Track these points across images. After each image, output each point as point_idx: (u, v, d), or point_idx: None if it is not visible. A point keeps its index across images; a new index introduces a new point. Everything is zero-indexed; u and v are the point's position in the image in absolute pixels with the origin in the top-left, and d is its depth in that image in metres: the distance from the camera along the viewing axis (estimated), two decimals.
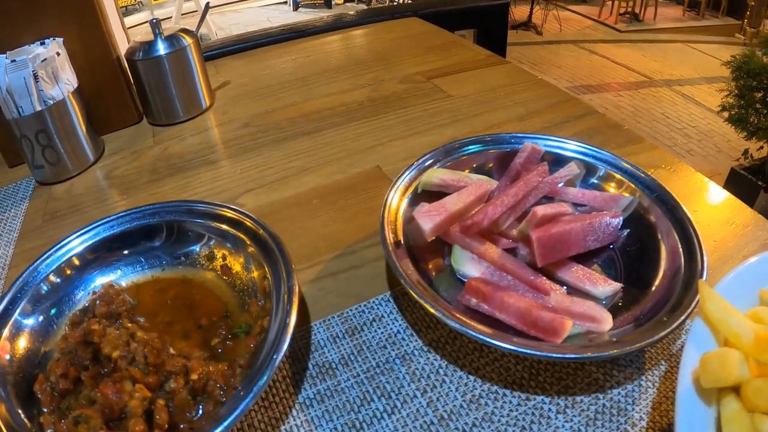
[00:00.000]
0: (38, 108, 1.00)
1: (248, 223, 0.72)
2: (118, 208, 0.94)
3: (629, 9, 9.63)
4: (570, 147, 0.80)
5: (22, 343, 0.66)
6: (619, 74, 7.18)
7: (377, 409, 0.57)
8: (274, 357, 0.54)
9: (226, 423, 0.49)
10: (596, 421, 0.54)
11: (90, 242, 0.76)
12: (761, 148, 3.95)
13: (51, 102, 1.01)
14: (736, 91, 3.96)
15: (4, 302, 0.67)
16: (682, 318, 0.54)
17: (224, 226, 0.74)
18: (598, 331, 0.58)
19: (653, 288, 0.62)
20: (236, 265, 0.72)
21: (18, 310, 0.68)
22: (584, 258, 0.68)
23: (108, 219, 0.77)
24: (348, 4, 10.37)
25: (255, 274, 0.69)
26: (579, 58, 7.78)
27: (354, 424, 0.56)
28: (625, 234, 0.71)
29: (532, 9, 8.93)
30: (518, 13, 9.02)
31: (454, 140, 0.82)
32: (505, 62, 1.34)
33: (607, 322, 0.58)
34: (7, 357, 0.63)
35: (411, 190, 0.74)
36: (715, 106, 4.39)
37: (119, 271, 0.75)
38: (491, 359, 0.60)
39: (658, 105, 6.24)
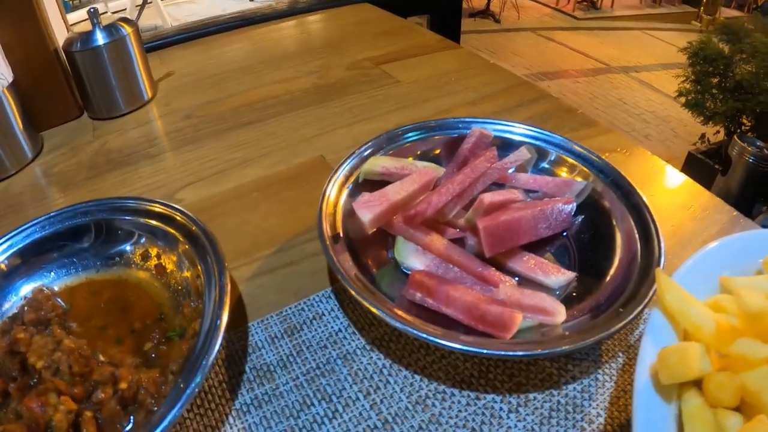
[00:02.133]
0: None
1: (180, 218, 0.68)
2: (58, 206, 0.88)
3: None
4: (520, 131, 0.77)
5: None
6: (576, 61, 7.24)
7: (318, 414, 0.53)
8: (204, 362, 0.50)
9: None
10: (551, 419, 0.51)
11: (18, 246, 0.71)
12: (717, 132, 4.00)
13: None
14: (692, 76, 4.00)
15: None
16: (639, 309, 0.51)
17: (155, 223, 0.70)
18: (550, 323, 0.54)
19: (608, 277, 0.59)
20: (170, 264, 0.68)
21: None
22: (536, 247, 0.65)
23: (37, 221, 0.72)
24: None
25: (188, 273, 0.65)
26: (536, 46, 7.84)
27: (293, 431, 0.52)
28: (579, 220, 0.68)
29: None
30: (476, 1, 9.04)
31: (402, 126, 0.79)
32: (457, 47, 1.30)
33: (560, 314, 0.55)
34: None
35: (352, 180, 0.70)
36: (672, 92, 4.42)
37: (52, 274, 0.71)
38: (438, 357, 0.57)
39: (615, 91, 6.30)
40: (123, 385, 0.54)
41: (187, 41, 1.57)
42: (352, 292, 0.53)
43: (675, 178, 0.83)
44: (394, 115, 1.02)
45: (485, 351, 0.49)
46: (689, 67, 4.04)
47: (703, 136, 4.14)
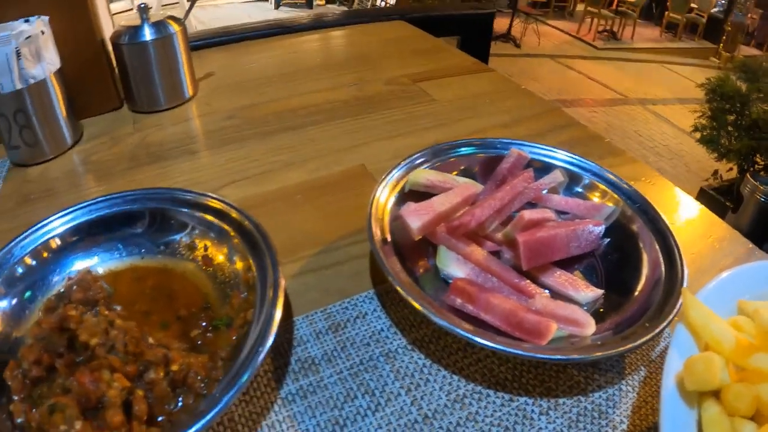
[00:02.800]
0: (18, 86, 0.98)
1: (233, 214, 0.71)
2: (93, 194, 0.92)
3: (608, 27, 9.77)
4: (555, 155, 0.81)
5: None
6: (594, 90, 7.27)
7: (361, 406, 0.57)
8: (259, 350, 0.53)
9: (208, 416, 0.48)
10: (578, 423, 0.55)
11: (69, 225, 0.74)
12: (731, 169, 4.02)
13: (32, 81, 0.99)
14: (709, 113, 4.03)
15: None
16: (664, 324, 0.55)
17: (208, 216, 0.73)
18: (580, 335, 0.58)
19: (634, 295, 0.63)
20: (218, 256, 0.71)
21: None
22: (566, 264, 0.69)
23: (88, 203, 0.75)
24: (329, 5, 10.39)
25: (238, 265, 0.68)
26: (555, 72, 7.87)
27: (337, 421, 0.56)
28: (607, 242, 0.72)
29: (512, 21, 9.00)
30: (498, 24, 9.09)
31: (439, 143, 0.83)
32: (490, 70, 1.35)
33: (590, 326, 0.59)
34: None
35: (398, 188, 0.74)
36: (687, 127, 4.46)
37: (96, 257, 0.73)
38: (475, 360, 0.61)
39: (631, 123, 6.32)
40: (174, 367, 0.57)
41: (225, 44, 1.62)
42: (402, 292, 0.57)
43: (694, 209, 0.87)
44: (432, 131, 1.06)
45: (524, 353, 0.53)
46: (706, 103, 4.08)
47: (715, 172, 4.18)
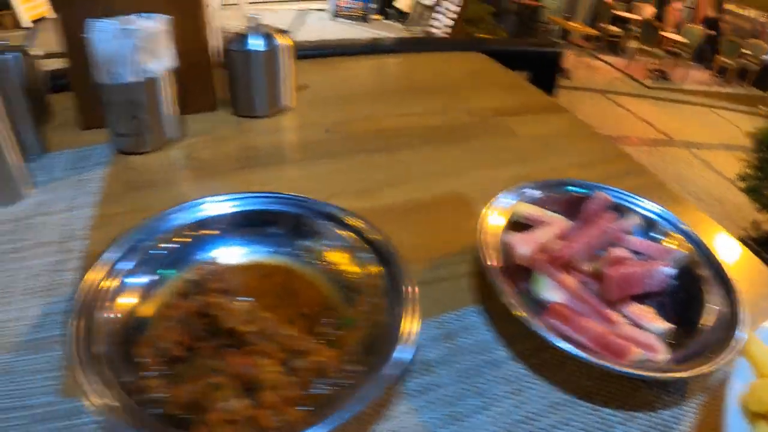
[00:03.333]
0: (134, 78, 1.05)
1: (356, 222, 0.80)
2: (206, 189, 0.98)
3: (659, 66, 9.75)
4: (635, 201, 0.90)
5: (126, 301, 0.70)
6: (640, 129, 7.29)
7: (473, 405, 0.66)
8: (406, 349, 0.61)
9: (359, 404, 0.55)
10: None
11: (209, 214, 0.82)
12: None
13: (147, 75, 1.07)
14: (755, 162, 4.07)
15: (114, 257, 0.73)
16: (728, 356, 0.64)
17: (333, 225, 0.81)
18: (654, 360, 0.67)
19: (698, 330, 0.72)
20: (342, 261, 0.78)
21: (126, 268, 0.73)
22: (640, 298, 0.78)
23: (233, 197, 0.84)
24: (385, 21, 10.49)
25: (364, 272, 0.76)
26: (603, 108, 7.89)
27: (453, 416, 0.64)
28: (675, 283, 0.80)
29: (564, 54, 9.04)
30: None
31: (524, 178, 0.92)
32: (565, 111, 1.43)
33: (663, 352, 0.68)
34: (112, 316, 0.67)
35: (501, 217, 0.84)
36: (731, 174, 4.49)
37: (223, 248, 0.81)
38: (567, 374, 0.70)
39: (674, 165, 6.33)
40: (318, 357, 0.63)
41: (316, 57, 1.72)
42: (515, 310, 0.67)
43: (752, 260, 0.96)
44: (515, 166, 1.15)
45: (616, 368, 0.62)
46: (753, 152, 4.12)
47: (755, 222, 4.21)
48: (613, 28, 10.96)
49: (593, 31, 10.02)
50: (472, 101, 1.45)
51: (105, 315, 0.66)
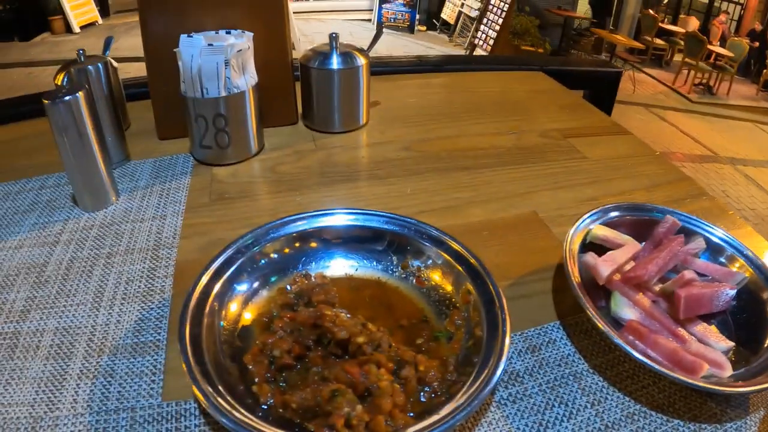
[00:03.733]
0: (222, 93, 1.13)
1: (450, 242, 0.86)
2: (294, 203, 1.10)
3: (704, 80, 9.67)
4: (701, 225, 0.96)
5: (233, 307, 0.78)
6: (685, 144, 7.23)
7: (558, 414, 0.72)
8: (499, 364, 0.66)
9: (465, 410, 0.61)
10: None
11: (312, 227, 0.89)
12: None
13: (235, 91, 1.15)
14: None
15: (219, 265, 0.80)
16: None
17: (430, 244, 0.88)
18: (720, 376, 0.74)
19: (760, 349, 0.78)
20: (434, 276, 0.85)
21: (231, 276, 0.80)
22: (705, 318, 0.84)
23: (333, 211, 0.91)
24: (430, 32, 10.56)
25: (456, 287, 0.82)
26: (648, 123, 7.84)
27: (540, 423, 0.71)
28: (737, 303, 0.86)
29: None
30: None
31: (595, 199, 0.99)
32: (628, 133, 1.49)
33: (729, 369, 0.74)
34: (221, 324, 0.75)
35: (579, 239, 0.91)
36: None
37: (317, 262, 0.88)
38: (640, 386, 0.76)
39: (719, 182, 6.27)
40: (422, 368, 0.69)
41: (381, 74, 1.79)
42: (600, 325, 0.74)
43: None
44: (588, 188, 1.20)
45: (696, 384, 0.69)
46: None
47: None
48: (658, 41, 10.90)
49: (638, 44, 9.95)
50: (540, 122, 1.51)
51: (211, 321, 0.74)
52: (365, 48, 1.40)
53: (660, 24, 11.07)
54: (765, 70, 9.91)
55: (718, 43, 10.50)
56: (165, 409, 0.70)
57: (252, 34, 1.20)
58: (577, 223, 0.92)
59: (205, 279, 0.78)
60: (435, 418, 0.62)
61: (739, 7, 11.96)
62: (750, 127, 8.40)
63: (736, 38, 10.50)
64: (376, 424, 0.62)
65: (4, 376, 0.74)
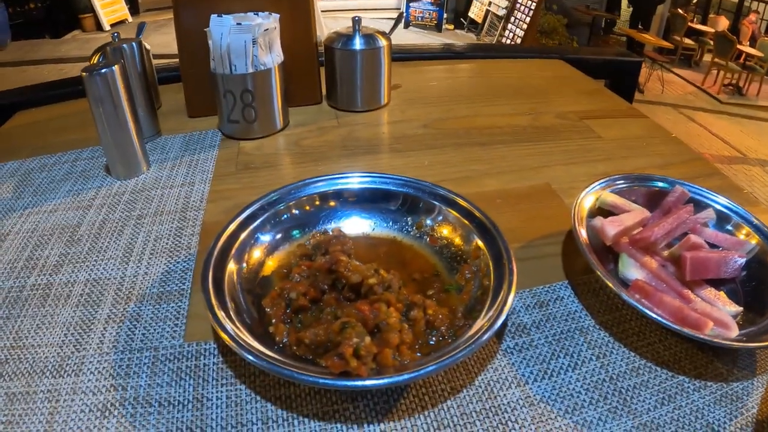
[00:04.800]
0: (250, 70, 1.19)
1: (463, 203, 0.90)
2: (315, 171, 1.14)
3: (733, 81, 9.58)
4: (710, 197, 0.98)
5: (255, 256, 0.84)
6: (714, 145, 7.14)
7: (563, 363, 0.75)
8: (501, 312, 0.69)
9: (467, 349, 0.64)
10: (721, 401, 0.71)
11: (331, 189, 0.95)
12: None
13: (262, 68, 1.20)
14: None
15: (246, 218, 0.87)
16: None
17: (443, 205, 0.92)
18: (726, 335, 0.75)
19: (766, 313, 0.79)
20: (446, 234, 0.89)
21: (256, 226, 0.87)
22: (714, 284, 0.85)
23: (354, 174, 0.97)
24: (457, 30, 10.57)
25: (466, 244, 0.86)
26: (676, 123, 7.77)
27: (546, 371, 0.74)
28: (744, 273, 0.87)
29: None
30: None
31: (608, 175, 0.99)
32: (644, 116, 1.51)
33: (735, 329, 0.75)
34: (243, 268, 0.81)
35: (590, 204, 0.93)
36: None
37: (336, 221, 0.93)
38: (647, 342, 0.78)
39: (748, 183, 6.18)
40: (430, 311, 0.73)
41: (404, 60, 1.84)
42: (605, 280, 0.76)
43: None
44: (601, 164, 1.23)
45: (693, 334, 0.70)
46: None
47: None
48: (687, 41, 10.82)
49: (667, 44, 9.88)
50: (557, 104, 1.54)
51: (234, 267, 0.80)
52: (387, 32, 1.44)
53: (689, 23, 10.99)
54: None
55: (748, 43, 10.39)
56: (186, 349, 0.75)
57: (278, 15, 1.26)
58: (587, 188, 0.94)
59: (231, 228, 0.84)
60: (437, 355, 0.65)
61: None
62: None
63: (766, 38, 10.40)
64: (383, 356, 0.65)
65: (36, 321, 0.80)
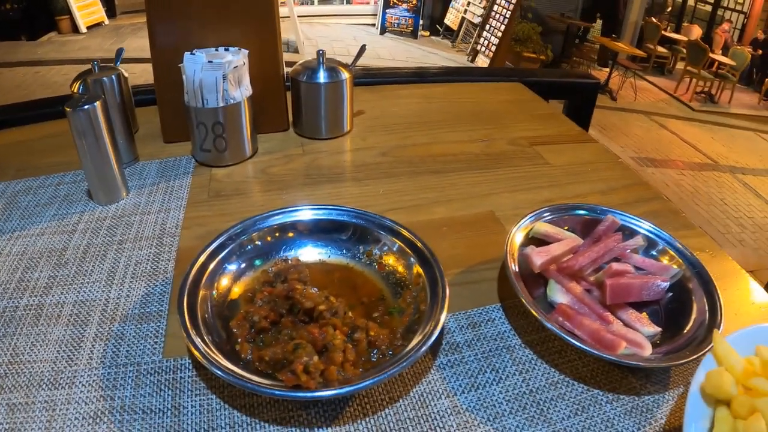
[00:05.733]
0: (221, 104, 1.27)
1: (406, 233, 1.00)
2: (280, 200, 1.24)
3: (706, 89, 9.72)
4: (639, 224, 1.06)
5: (224, 283, 0.93)
6: (685, 152, 7.28)
7: (489, 378, 0.84)
8: (433, 332, 0.80)
9: (401, 365, 0.75)
10: (632, 412, 0.80)
11: (289, 220, 1.03)
12: None
13: (231, 102, 1.28)
14: None
15: (215, 248, 0.96)
16: (702, 353, 0.80)
17: (388, 235, 1.01)
18: (640, 354, 0.84)
19: (682, 333, 0.88)
20: (391, 262, 0.98)
21: (223, 257, 0.96)
22: (637, 306, 0.94)
23: (321, 207, 1.06)
24: (433, 37, 10.65)
25: (408, 271, 0.96)
26: (648, 130, 7.90)
27: (473, 385, 0.83)
28: (669, 295, 0.96)
29: (610, 74, 9.07)
30: (596, 75, 9.11)
31: (551, 201, 1.09)
32: (594, 142, 1.59)
33: (648, 349, 0.84)
34: (213, 293, 0.90)
35: (524, 234, 1.01)
36: None
37: (298, 249, 1.02)
38: (567, 360, 0.87)
39: (718, 190, 6.34)
40: (372, 333, 0.83)
41: (368, 85, 1.92)
42: (527, 305, 0.85)
43: (744, 280, 1.09)
44: (545, 191, 1.31)
45: (607, 356, 0.79)
46: None
47: None
48: (661, 49, 10.97)
49: (640, 52, 10.01)
50: (511, 130, 1.61)
51: (205, 293, 0.90)
52: (350, 63, 1.53)
53: (663, 32, 11.15)
54: (767, 79, 9.96)
55: (721, 51, 10.57)
56: (165, 364, 0.85)
57: (247, 51, 1.35)
58: (521, 221, 1.03)
59: (202, 258, 0.93)
60: (376, 371, 0.77)
61: (742, 16, 12.05)
62: (750, 136, 8.46)
63: (738, 47, 10.58)
64: (329, 372, 0.76)
65: (30, 339, 0.88)
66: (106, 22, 10.48)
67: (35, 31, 9.62)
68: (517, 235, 1.00)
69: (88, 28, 10.04)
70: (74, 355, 0.85)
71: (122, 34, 9.91)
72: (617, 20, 11.15)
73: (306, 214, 1.05)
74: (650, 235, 1.06)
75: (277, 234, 1.02)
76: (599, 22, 10.74)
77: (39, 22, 9.62)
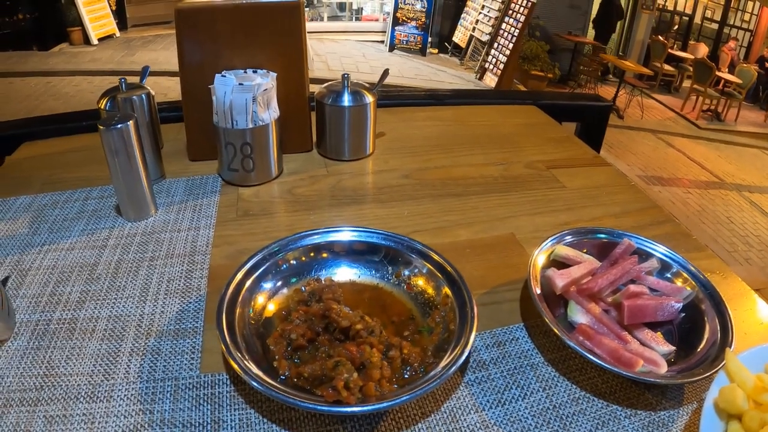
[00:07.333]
0: (249, 125, 1.32)
1: (436, 257, 1.04)
2: (307, 220, 1.28)
3: (712, 107, 9.73)
4: (654, 247, 1.12)
5: (260, 301, 0.97)
6: (692, 171, 7.29)
7: (514, 394, 0.89)
8: (464, 351, 0.84)
9: (434, 382, 0.79)
10: (649, 427, 0.85)
11: (324, 241, 1.08)
12: None
13: (260, 123, 1.33)
14: None
15: (252, 268, 1.00)
16: (714, 370, 0.85)
17: (419, 258, 1.06)
18: (657, 371, 0.89)
19: (696, 352, 0.93)
20: (421, 284, 1.03)
21: (259, 275, 1.00)
22: (652, 326, 0.99)
23: (343, 228, 1.10)
24: (441, 54, 10.71)
25: (437, 292, 1.00)
26: (655, 148, 7.91)
27: (500, 400, 0.88)
28: (682, 315, 1.01)
29: (617, 92, 9.09)
30: (603, 94, 9.14)
31: (568, 224, 1.14)
32: (608, 165, 1.64)
33: (663, 366, 0.89)
34: (250, 311, 0.94)
35: (545, 256, 1.07)
36: None
37: (327, 269, 1.06)
38: (587, 377, 0.92)
39: (724, 208, 6.35)
40: (405, 351, 0.87)
41: (386, 107, 1.97)
42: (549, 324, 0.90)
43: (754, 301, 1.13)
44: (563, 214, 1.35)
45: (626, 373, 0.85)
46: None
47: None
48: (667, 67, 11.01)
49: (646, 70, 10.05)
50: (527, 153, 1.67)
51: (242, 310, 0.94)
52: (372, 85, 1.58)
53: (669, 50, 11.20)
54: None
55: (727, 69, 10.61)
56: (203, 379, 0.88)
57: (276, 74, 1.40)
58: (543, 244, 1.08)
59: (239, 276, 0.97)
60: (410, 387, 0.81)
61: (748, 34, 12.10)
62: (757, 154, 8.48)
63: (744, 65, 10.61)
64: (367, 388, 0.80)
65: (65, 352, 0.91)
66: (118, 34, 10.58)
67: (47, 42, 9.73)
68: (539, 258, 1.06)
69: (100, 40, 10.14)
70: (111, 369, 0.88)
71: (133, 47, 9.99)
72: (608, 32, 11.19)
73: (340, 235, 1.09)
74: (664, 257, 1.11)
75: (311, 254, 1.06)
76: (592, 33, 10.81)
77: (51, 33, 9.74)
